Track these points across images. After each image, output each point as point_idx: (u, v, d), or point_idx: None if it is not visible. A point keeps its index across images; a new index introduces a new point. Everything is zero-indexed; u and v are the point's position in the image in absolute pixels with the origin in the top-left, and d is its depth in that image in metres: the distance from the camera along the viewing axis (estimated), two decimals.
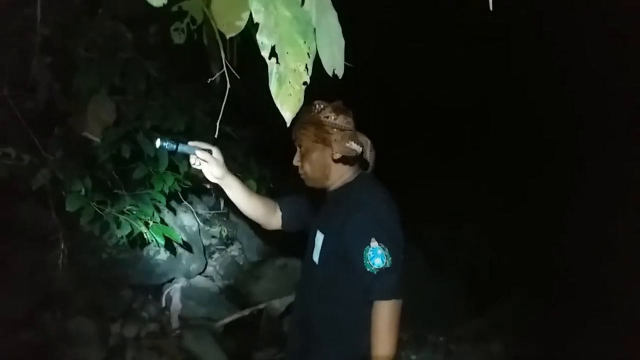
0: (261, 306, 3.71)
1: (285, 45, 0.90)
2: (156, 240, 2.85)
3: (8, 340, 2.68)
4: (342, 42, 1.05)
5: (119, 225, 2.78)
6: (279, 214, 1.95)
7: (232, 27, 1.02)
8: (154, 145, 1.63)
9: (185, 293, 3.53)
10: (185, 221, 3.75)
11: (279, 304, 3.70)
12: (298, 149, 1.81)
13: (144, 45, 2.64)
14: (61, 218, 2.78)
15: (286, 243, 3.52)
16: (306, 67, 0.92)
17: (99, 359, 2.98)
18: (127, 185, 2.98)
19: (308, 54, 0.93)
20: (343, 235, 1.69)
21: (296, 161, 1.82)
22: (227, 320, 3.52)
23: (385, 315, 1.62)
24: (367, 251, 1.63)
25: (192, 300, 3.53)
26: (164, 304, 3.47)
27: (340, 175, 1.79)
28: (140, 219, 2.85)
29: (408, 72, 5.02)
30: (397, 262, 1.65)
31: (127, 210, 2.84)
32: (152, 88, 2.84)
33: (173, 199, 3.41)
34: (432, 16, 4.60)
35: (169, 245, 3.31)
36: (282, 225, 1.97)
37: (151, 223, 2.89)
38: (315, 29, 0.97)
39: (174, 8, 1.58)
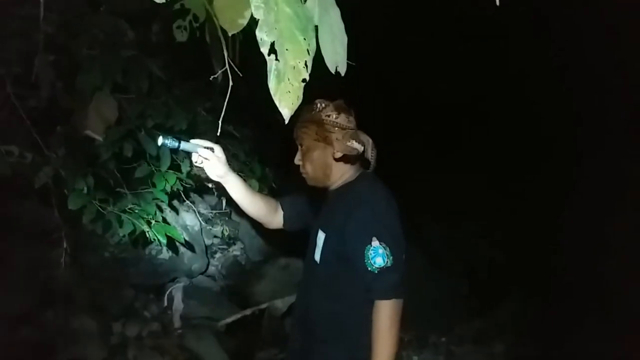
0: (263, 306, 3.71)
1: (284, 42, 0.89)
2: (158, 240, 2.85)
3: (10, 338, 2.68)
4: (345, 39, 1.05)
5: (121, 224, 2.78)
6: (281, 213, 1.94)
7: (234, 25, 1.01)
8: (156, 143, 1.63)
9: (187, 292, 3.53)
10: (188, 220, 3.76)
11: (281, 304, 3.70)
12: (299, 147, 1.81)
13: (146, 43, 2.64)
14: (63, 216, 2.78)
15: (288, 243, 3.52)
16: (305, 64, 0.92)
17: (100, 358, 2.98)
18: (130, 184, 2.98)
19: (308, 50, 0.92)
20: (344, 234, 1.69)
21: (297, 160, 1.82)
22: (229, 320, 3.52)
23: (386, 315, 1.62)
24: (368, 250, 1.63)
25: (194, 300, 3.53)
26: (165, 303, 3.47)
27: (341, 174, 1.78)
28: (143, 218, 2.85)
29: (406, 68, 5.02)
30: (398, 261, 1.64)
31: (129, 209, 2.84)
32: (154, 86, 2.84)
33: (175, 198, 3.41)
34: (431, 12, 4.60)
35: (171, 244, 3.31)
36: (284, 224, 1.97)
37: (153, 222, 2.89)
38: (317, 26, 0.97)
39: (177, 6, 1.58)
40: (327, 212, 1.82)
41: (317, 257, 1.80)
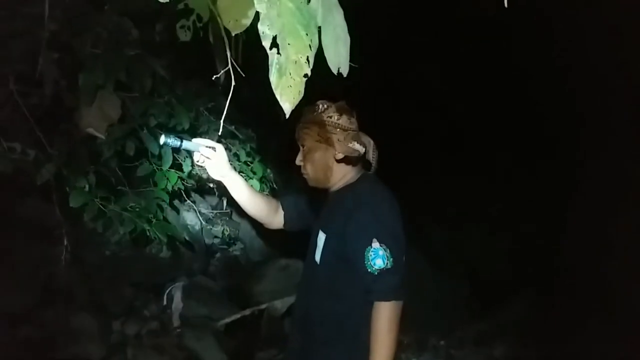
0: (262, 306, 3.71)
1: (286, 36, 0.89)
2: (159, 238, 2.85)
3: (9, 335, 2.69)
4: (348, 40, 1.05)
5: (122, 222, 2.79)
6: (281, 213, 1.95)
7: (237, 25, 1.02)
8: (158, 141, 1.64)
9: (187, 292, 3.53)
10: (188, 220, 3.76)
11: (280, 305, 3.70)
12: (301, 148, 1.81)
13: (150, 42, 2.65)
14: (65, 214, 2.79)
15: (288, 244, 3.52)
16: (307, 60, 0.92)
17: (100, 356, 2.98)
18: (131, 183, 2.99)
19: (310, 46, 0.92)
20: (344, 235, 1.69)
21: (299, 160, 1.82)
22: (228, 320, 3.52)
23: (385, 317, 1.62)
24: (368, 251, 1.63)
25: (194, 300, 3.53)
26: (165, 303, 3.47)
27: (342, 176, 1.78)
28: (144, 217, 2.85)
29: (409, 69, 5.03)
30: (398, 263, 1.64)
31: (130, 207, 2.85)
32: (157, 85, 2.85)
33: (176, 197, 3.42)
34: (434, 13, 4.61)
35: (172, 243, 3.32)
36: (284, 225, 1.97)
37: (154, 221, 2.89)
38: (320, 26, 0.97)
39: (181, 5, 1.58)
40: (328, 213, 1.83)
41: (318, 258, 1.80)
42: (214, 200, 4.01)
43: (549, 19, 3.95)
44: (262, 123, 3.62)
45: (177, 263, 3.63)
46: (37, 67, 2.28)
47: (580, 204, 3.97)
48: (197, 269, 3.77)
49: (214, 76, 1.35)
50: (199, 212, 3.82)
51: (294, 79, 0.91)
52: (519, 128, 4.81)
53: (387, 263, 1.62)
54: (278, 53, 0.89)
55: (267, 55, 0.91)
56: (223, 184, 1.77)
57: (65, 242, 2.83)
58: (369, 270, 1.63)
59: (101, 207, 2.71)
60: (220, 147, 1.69)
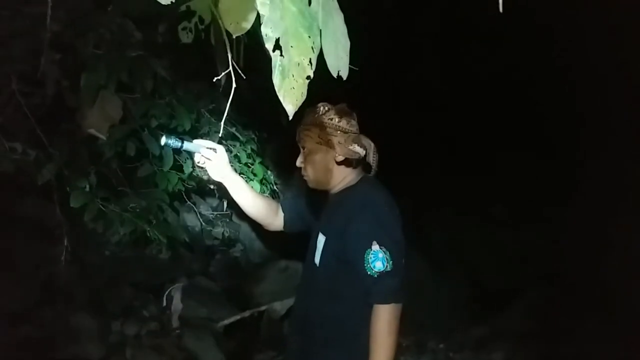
0: (262, 308, 3.71)
1: (289, 39, 0.90)
2: (159, 239, 2.85)
3: (8, 335, 2.69)
4: (348, 43, 1.06)
5: (122, 222, 2.79)
6: (281, 214, 1.95)
7: (239, 27, 1.03)
8: (159, 142, 1.65)
9: (187, 293, 3.53)
10: (188, 221, 3.76)
11: (279, 306, 3.70)
12: (302, 150, 1.82)
13: (152, 43, 2.66)
14: (65, 214, 2.79)
15: (288, 246, 3.52)
16: (310, 62, 0.93)
17: (99, 356, 2.98)
18: (132, 183, 2.99)
19: (312, 48, 0.93)
20: (344, 238, 1.69)
21: (299, 162, 1.83)
22: (227, 321, 3.53)
23: (384, 319, 1.62)
24: (368, 254, 1.63)
25: (193, 300, 3.53)
26: (164, 303, 3.47)
27: (342, 178, 1.79)
28: (144, 218, 2.86)
29: (409, 70, 5.03)
30: (398, 265, 1.65)
31: (130, 208, 2.85)
32: (159, 86, 2.86)
33: (177, 198, 3.42)
34: (434, 14, 4.61)
35: (172, 244, 3.32)
36: (284, 226, 1.97)
37: (154, 222, 2.89)
38: (321, 30, 0.98)
39: (183, 7, 1.59)
40: (328, 215, 1.83)
41: (317, 260, 1.80)
42: (214, 201, 4.02)
43: (549, 19, 3.95)
44: (263, 125, 3.63)
45: (177, 264, 3.64)
46: (39, 67, 2.29)
47: (580, 204, 3.97)
48: (196, 270, 3.78)
49: (215, 78, 1.35)
50: (199, 213, 3.82)
51: (297, 81, 0.91)
52: (519, 128, 4.81)
53: (386, 265, 1.62)
54: (281, 55, 0.90)
55: (268, 58, 0.92)
56: (223, 186, 1.78)
57: (66, 242, 2.83)
58: (369, 272, 1.63)
59: (102, 207, 2.71)
60: (221, 149, 1.69)
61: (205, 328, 3.37)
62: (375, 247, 1.63)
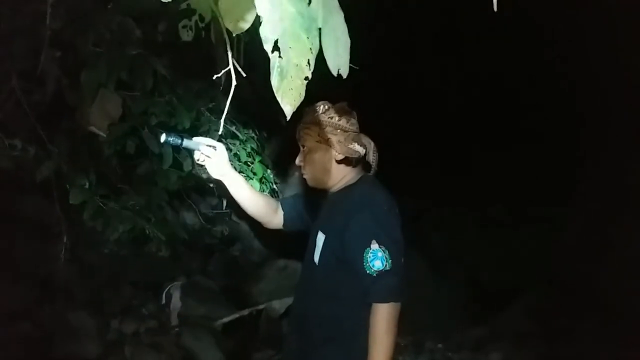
0: (261, 307, 3.71)
1: (288, 40, 0.90)
2: (158, 237, 2.85)
3: (7, 332, 2.69)
4: (348, 42, 1.05)
5: (121, 220, 2.79)
6: (281, 213, 1.95)
7: (239, 25, 1.02)
8: (159, 140, 1.65)
9: (185, 291, 3.53)
10: (188, 219, 3.76)
11: (278, 305, 3.70)
12: (301, 149, 1.82)
13: (152, 41, 2.65)
14: (64, 211, 2.79)
15: (287, 245, 3.52)
16: (308, 63, 0.93)
17: (97, 354, 2.98)
18: (131, 181, 2.99)
19: (311, 49, 0.93)
20: (343, 237, 1.69)
21: (299, 161, 1.83)
22: (226, 319, 3.52)
23: (383, 318, 1.62)
24: (367, 253, 1.63)
25: (192, 299, 3.53)
26: (163, 302, 3.47)
27: (342, 177, 1.79)
28: (143, 215, 2.85)
29: (409, 70, 5.03)
30: (397, 264, 1.65)
31: (130, 205, 2.85)
32: (158, 84, 2.85)
33: (176, 196, 3.42)
34: (434, 14, 4.61)
35: (171, 242, 3.31)
36: (284, 225, 1.97)
37: (153, 220, 2.89)
38: (321, 28, 0.98)
39: (183, 5, 1.59)
40: (327, 214, 1.83)
41: (317, 258, 1.80)
42: (213, 200, 4.01)
43: (549, 19, 3.96)
44: (263, 124, 3.62)
45: (176, 262, 3.63)
46: (39, 65, 2.29)
47: (580, 204, 3.97)
48: (195, 268, 3.77)
49: (215, 76, 1.35)
50: (199, 211, 3.82)
51: (295, 82, 0.92)
52: (519, 128, 4.82)
53: (385, 265, 1.62)
54: (279, 56, 0.90)
55: (268, 57, 0.92)
56: (223, 184, 1.78)
57: (65, 240, 2.83)
58: (368, 271, 1.63)
59: (101, 205, 2.71)
60: (220, 146, 1.69)
61: (204, 326, 3.37)
62: (375, 246, 1.63)
